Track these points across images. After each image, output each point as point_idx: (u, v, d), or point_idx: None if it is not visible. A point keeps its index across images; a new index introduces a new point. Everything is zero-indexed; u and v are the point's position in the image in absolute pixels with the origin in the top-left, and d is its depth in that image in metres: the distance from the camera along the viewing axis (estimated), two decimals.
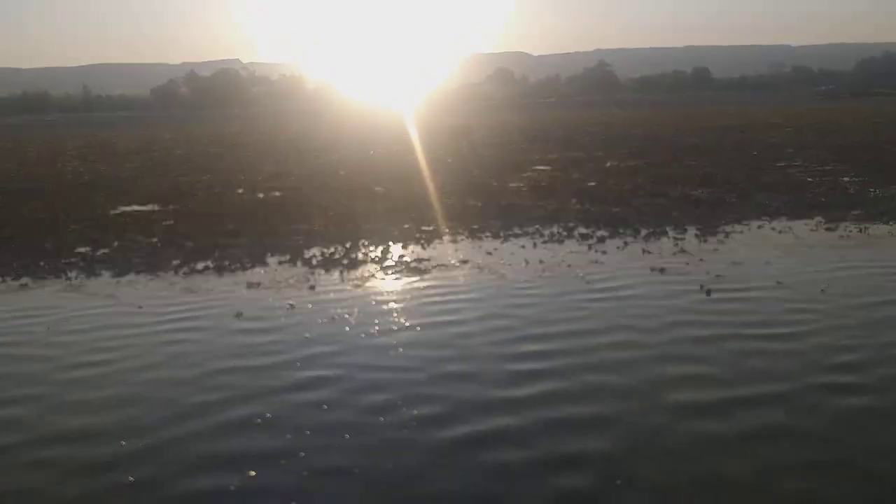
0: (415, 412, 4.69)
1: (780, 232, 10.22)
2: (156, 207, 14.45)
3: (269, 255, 9.66)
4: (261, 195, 15.86)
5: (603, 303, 7.04)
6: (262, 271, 8.81)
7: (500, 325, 6.44)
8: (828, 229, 10.27)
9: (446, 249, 9.80)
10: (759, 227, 10.66)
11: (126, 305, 7.51)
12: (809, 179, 15.40)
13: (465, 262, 8.96)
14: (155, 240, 10.98)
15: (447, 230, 11.11)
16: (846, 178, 15.33)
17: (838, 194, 13.18)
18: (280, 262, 9.23)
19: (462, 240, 10.43)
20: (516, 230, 10.89)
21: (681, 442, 4.22)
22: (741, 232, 10.31)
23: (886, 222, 10.62)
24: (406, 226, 11.51)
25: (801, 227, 10.55)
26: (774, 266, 8.22)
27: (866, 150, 21.34)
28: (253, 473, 3.99)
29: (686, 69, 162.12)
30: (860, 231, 10.07)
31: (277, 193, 15.99)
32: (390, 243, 10.17)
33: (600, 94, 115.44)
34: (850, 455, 4.01)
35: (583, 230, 10.71)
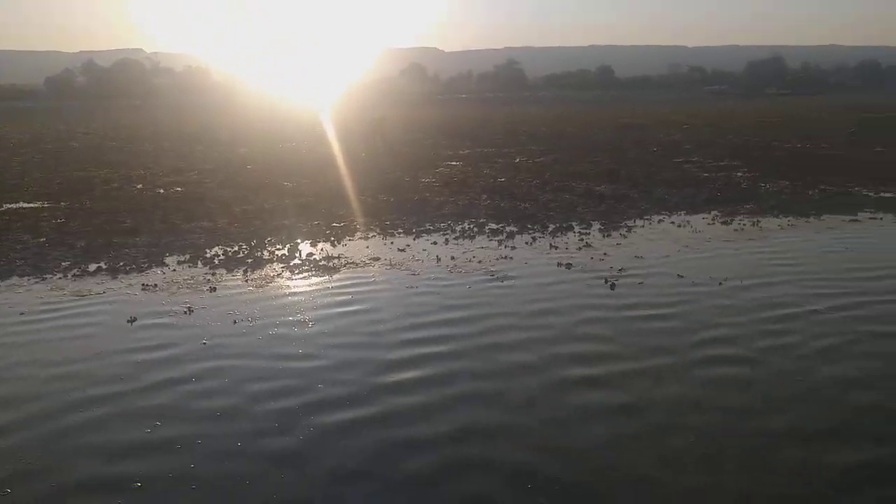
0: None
1: (679, 226, 10.63)
2: (46, 205, 13.48)
3: (167, 254, 9.19)
4: (161, 190, 15.12)
5: (511, 298, 7.08)
6: (160, 272, 8.36)
7: (406, 324, 6.38)
8: (724, 223, 10.77)
9: (357, 247, 9.63)
10: (660, 221, 11.05)
11: (4, 314, 6.93)
12: (706, 175, 16.13)
13: (376, 259, 8.82)
14: (43, 240, 10.23)
15: (359, 227, 10.93)
16: (739, 174, 16.16)
17: (732, 189, 13.85)
18: (179, 262, 8.79)
19: (374, 236, 10.28)
20: (428, 226, 10.84)
21: (569, 409, 4.70)
22: (643, 226, 10.66)
23: (776, 216, 11.24)
24: (316, 222, 11.25)
25: (699, 220, 11.01)
26: (674, 259, 8.53)
27: (757, 148, 22.62)
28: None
29: (591, 68, 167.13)
30: (753, 224, 10.61)
31: (179, 189, 15.29)
32: (298, 241, 9.90)
33: (510, 92, 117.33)
34: (712, 417, 4.50)
35: (493, 226, 10.78)
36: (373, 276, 8.03)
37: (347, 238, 10.16)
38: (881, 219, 10.94)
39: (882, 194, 13.04)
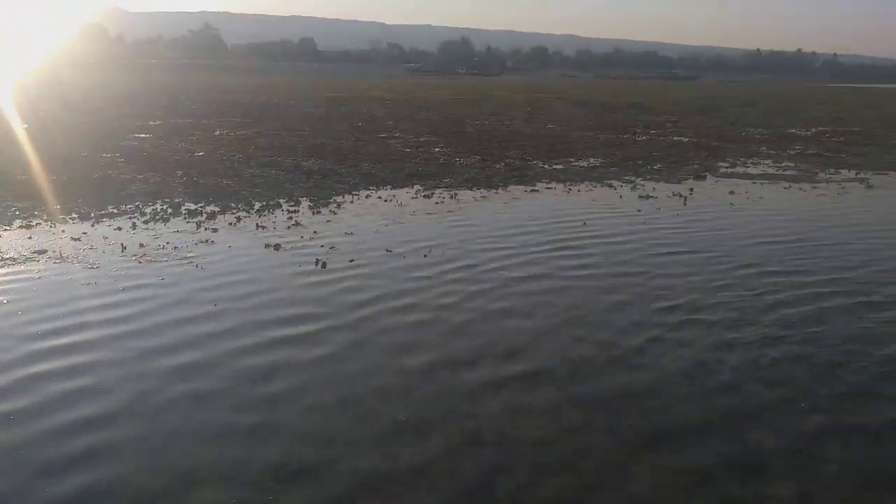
0: None
1: (386, 200, 10.79)
2: None
3: None
4: None
5: (219, 290, 6.44)
6: None
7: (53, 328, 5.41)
8: (426, 196, 11.19)
9: (15, 238, 8.00)
10: (368, 196, 11.12)
11: None
12: (408, 150, 16.73)
13: (41, 252, 7.40)
14: None
15: (18, 213, 9.13)
16: (437, 149, 17.06)
17: (432, 164, 14.53)
18: None
19: (39, 224, 8.66)
20: (111, 209, 9.49)
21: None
22: (352, 202, 10.62)
23: (471, 188, 12.02)
24: None
25: (403, 194, 11.30)
26: (382, 234, 8.59)
27: (452, 124, 24.21)
28: None
29: (293, 39, 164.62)
30: (451, 197, 11.20)
31: None
32: None
33: (207, 59, 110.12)
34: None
35: (191, 206, 9.84)
36: (38, 274, 6.70)
37: (2, 228, 8.42)
38: (554, 188, 12.30)
39: (554, 167, 14.74)
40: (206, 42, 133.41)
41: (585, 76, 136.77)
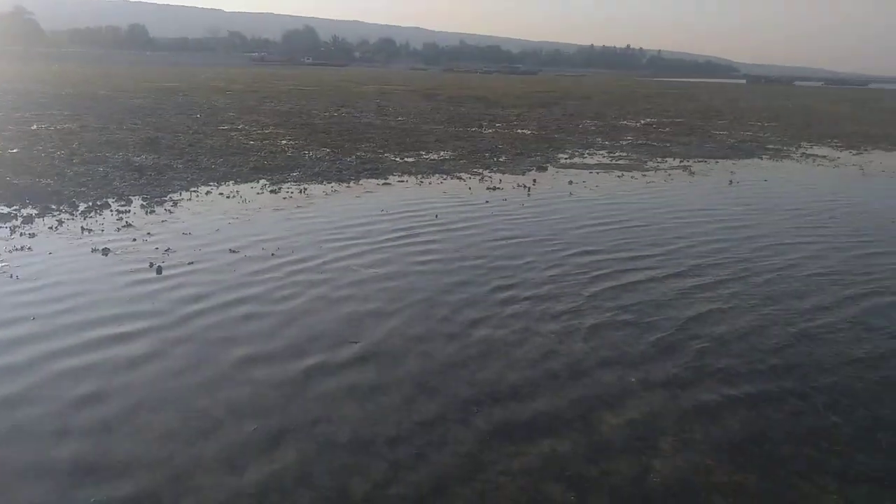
0: None
1: (228, 197, 10.23)
2: None
3: None
4: None
5: (38, 305, 5.75)
6: None
7: None
8: (272, 191, 10.75)
9: None
10: (208, 192, 10.49)
11: None
12: (252, 143, 16.02)
13: None
14: None
15: None
16: (284, 142, 16.49)
17: (279, 157, 14.01)
18: None
19: None
20: None
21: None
22: (190, 199, 9.96)
23: (321, 182, 11.71)
24: None
25: (248, 190, 10.79)
26: (224, 233, 8.13)
27: (300, 115, 23.54)
28: None
29: (121, 25, 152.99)
30: (301, 192, 10.84)
31: None
32: None
33: (21, 45, 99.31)
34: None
35: (3, 209, 8.77)
36: None
37: None
38: (406, 181, 12.29)
39: (406, 160, 14.75)
40: (19, 27, 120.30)
41: (433, 69, 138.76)
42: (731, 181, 13.29)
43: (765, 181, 13.45)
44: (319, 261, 7.17)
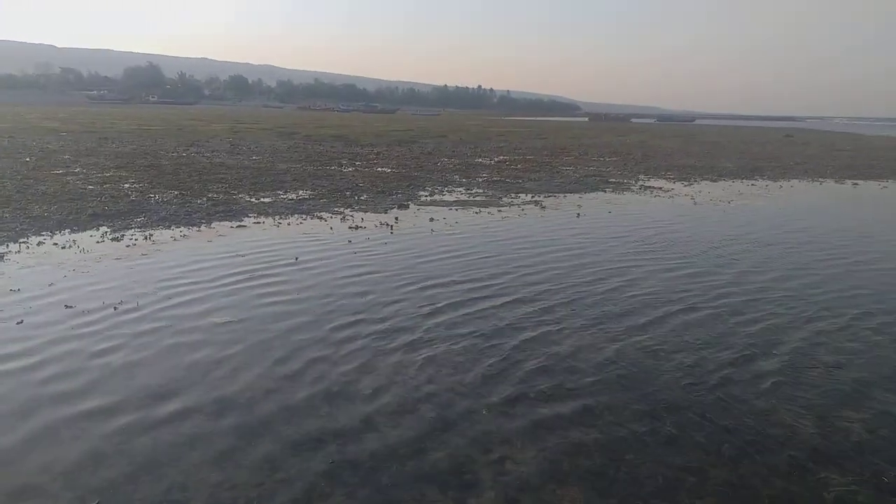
0: None
1: (64, 247, 9.36)
2: None
3: None
4: None
5: None
6: None
7: None
8: (114, 239, 9.98)
9: None
10: (40, 243, 9.55)
11: None
12: (91, 187, 14.88)
13: None
14: None
15: None
16: (127, 185, 15.46)
17: (122, 202, 13.08)
18: None
19: None
20: None
21: None
22: (19, 251, 9.01)
23: (169, 227, 11.04)
24: None
25: (86, 239, 9.94)
26: (59, 287, 7.40)
27: (144, 157, 22.23)
28: None
29: None
30: (146, 238, 10.14)
31: None
32: None
33: None
34: None
35: None
36: None
37: None
38: (263, 222, 11.88)
39: (262, 200, 14.29)
40: None
41: (287, 107, 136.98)
42: (578, 214, 14.03)
43: (609, 213, 14.33)
44: (159, 309, 6.73)
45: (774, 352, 6.12)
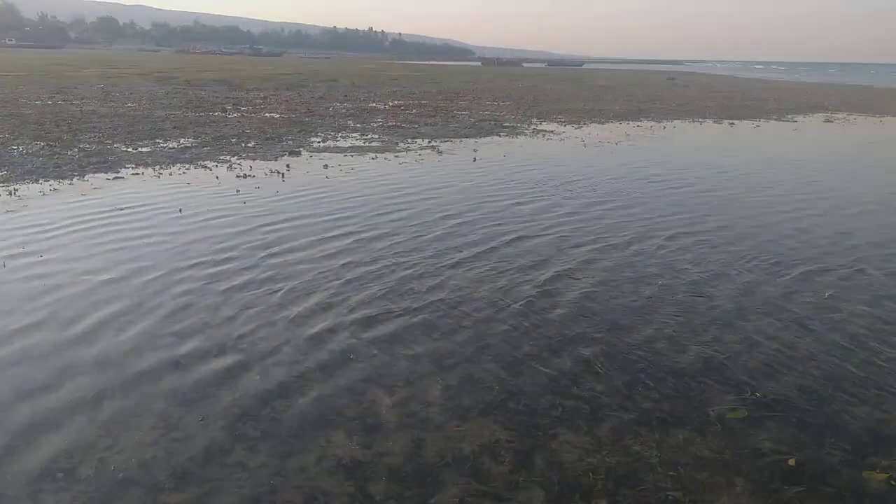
0: None
1: None
2: None
3: None
4: None
5: None
6: None
7: None
8: None
9: None
10: None
11: None
12: None
13: None
14: None
15: None
16: None
17: (15, 155, 11.90)
18: None
19: None
20: None
21: None
22: None
23: (36, 181, 10.16)
24: None
25: None
26: None
27: (2, 105, 20.26)
28: None
29: None
30: (10, 194, 9.28)
31: None
32: None
33: None
34: None
35: None
36: None
37: None
38: (143, 173, 11.15)
39: (140, 150, 13.39)
40: None
41: (165, 51, 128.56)
42: (474, 158, 14.06)
43: (503, 157, 14.45)
44: (32, 273, 6.17)
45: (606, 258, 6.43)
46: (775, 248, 7.80)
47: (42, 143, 13.42)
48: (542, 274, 6.59)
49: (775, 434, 3.92)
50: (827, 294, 6.28)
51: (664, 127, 21.85)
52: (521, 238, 7.86)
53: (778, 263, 7.20)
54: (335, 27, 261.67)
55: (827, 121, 26.35)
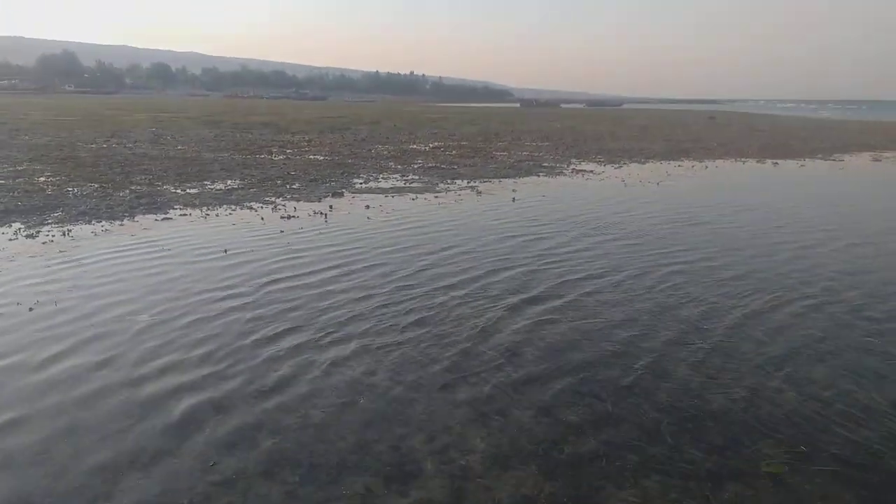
0: None
1: None
2: None
3: None
4: None
5: None
6: None
7: None
8: (29, 236, 9.43)
9: None
10: None
11: None
12: (2, 182, 14.03)
13: None
14: None
15: None
16: (42, 179, 14.67)
17: (36, 196, 12.39)
18: None
19: None
20: None
21: None
22: None
23: (89, 222, 10.52)
24: None
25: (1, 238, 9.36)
26: None
27: (61, 148, 21.15)
28: None
29: None
30: (64, 234, 9.62)
31: None
32: None
33: None
34: None
35: None
36: None
37: None
38: (190, 214, 11.45)
39: (188, 191, 13.78)
40: None
41: (214, 95, 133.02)
42: (513, 198, 14.09)
43: (542, 196, 14.44)
44: (76, 307, 6.34)
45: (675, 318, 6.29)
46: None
47: (96, 185, 13.93)
48: (602, 321, 6.50)
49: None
50: None
51: (706, 167, 21.63)
52: (573, 283, 7.71)
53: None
54: (377, 71, 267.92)
55: (874, 160, 25.74)
